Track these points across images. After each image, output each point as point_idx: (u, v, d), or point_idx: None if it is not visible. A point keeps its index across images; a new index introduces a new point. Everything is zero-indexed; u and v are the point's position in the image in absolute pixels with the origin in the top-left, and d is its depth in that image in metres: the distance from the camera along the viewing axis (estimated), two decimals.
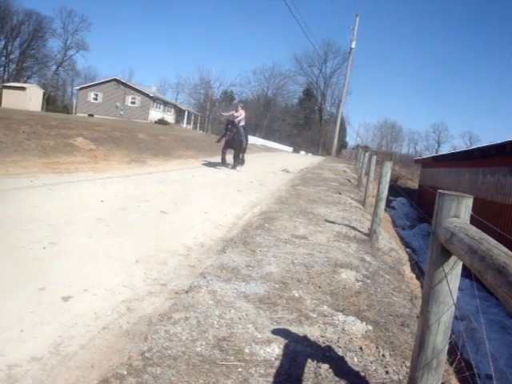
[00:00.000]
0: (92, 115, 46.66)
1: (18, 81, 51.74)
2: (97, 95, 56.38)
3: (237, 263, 4.75)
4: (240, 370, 2.79)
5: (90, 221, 5.93)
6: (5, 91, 43.22)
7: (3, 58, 59.20)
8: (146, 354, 2.84)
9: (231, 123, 15.37)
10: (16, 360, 2.66)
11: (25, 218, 5.69)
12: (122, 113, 51.71)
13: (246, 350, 3.02)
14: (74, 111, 54.79)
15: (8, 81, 52.09)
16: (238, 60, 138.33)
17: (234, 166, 15.75)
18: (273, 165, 21.65)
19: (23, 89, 44.09)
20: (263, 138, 61.56)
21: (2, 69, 59.55)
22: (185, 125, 61.13)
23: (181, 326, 3.26)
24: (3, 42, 58.93)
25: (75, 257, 4.49)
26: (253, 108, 63.14)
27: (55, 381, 2.55)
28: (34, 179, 8.39)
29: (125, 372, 2.63)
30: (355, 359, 3.07)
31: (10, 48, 60.28)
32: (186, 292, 3.89)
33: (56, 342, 2.93)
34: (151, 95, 55.66)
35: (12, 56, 60.27)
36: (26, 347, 2.82)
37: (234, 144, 15.38)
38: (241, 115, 15.77)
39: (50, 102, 56.65)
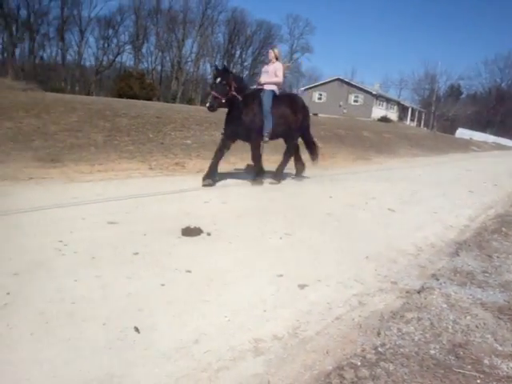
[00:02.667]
0: (316, 114, 48.43)
1: (250, 85, 56.92)
2: (321, 95, 58.32)
3: (471, 268, 4.45)
4: (479, 381, 2.60)
5: (321, 215, 6.21)
6: None
7: (238, 66, 65.62)
8: (379, 349, 2.85)
9: (237, 81, 7.89)
10: (260, 336, 2.94)
11: (262, 209, 6.25)
12: (344, 111, 52.57)
13: (486, 362, 2.80)
14: None
15: None
16: (466, 51, 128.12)
17: (255, 179, 8.32)
18: (504, 163, 19.53)
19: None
20: (495, 134, 56.01)
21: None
22: (408, 122, 59.24)
23: (413, 325, 3.19)
24: (239, 52, 65.30)
25: (308, 248, 4.75)
26: (483, 102, 57.83)
27: (294, 360, 2.74)
28: (268, 175, 9.09)
29: (358, 363, 2.69)
30: None
31: (243, 56, 66.53)
32: (418, 292, 3.79)
33: (294, 325, 3.14)
34: (374, 93, 55.31)
35: (245, 63, 66.45)
36: (269, 326, 3.08)
37: (239, 130, 7.91)
38: (275, 70, 8.27)
39: None
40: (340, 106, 55.16)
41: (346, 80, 57.24)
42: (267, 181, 8.48)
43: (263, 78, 8.34)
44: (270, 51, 8.63)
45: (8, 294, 3.14)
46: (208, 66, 62.24)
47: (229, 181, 8.36)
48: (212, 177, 7.63)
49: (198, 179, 7.57)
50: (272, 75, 8.26)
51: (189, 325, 2.96)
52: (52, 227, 4.63)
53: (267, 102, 8.02)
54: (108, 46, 56.56)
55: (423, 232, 5.93)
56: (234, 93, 7.57)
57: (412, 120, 62.15)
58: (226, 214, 5.84)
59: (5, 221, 4.75)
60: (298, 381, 2.53)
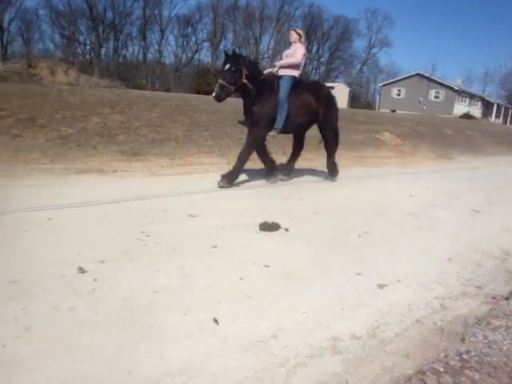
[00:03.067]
0: (394, 111, 47.17)
1: (327, 81, 56.11)
2: (399, 91, 56.66)
3: None
4: None
5: (401, 214, 6.03)
6: None
7: (315, 62, 65.10)
8: (464, 356, 2.73)
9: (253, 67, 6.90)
10: (338, 334, 2.90)
11: (340, 206, 6.17)
12: (424, 107, 50.73)
13: None
14: (377, 107, 56.34)
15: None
16: None
17: (222, 179, 6.73)
18: None
19: (331, 88, 47.43)
20: None
21: (314, 71, 65.63)
22: (493, 119, 56.20)
23: (501, 334, 3.02)
24: (315, 48, 64.71)
25: (388, 247, 4.63)
26: None
27: (373, 361, 2.67)
28: (346, 171, 8.95)
29: (441, 369, 2.58)
30: None
31: (320, 52, 65.88)
32: (506, 299, 3.59)
33: (373, 325, 3.07)
34: (456, 88, 52.92)
35: (322, 59, 65.77)
36: (347, 324, 3.03)
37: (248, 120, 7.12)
38: (294, 51, 7.26)
39: (354, 99, 59.67)
40: (419, 102, 53.33)
41: (426, 75, 55.21)
42: (345, 177, 8.34)
43: (279, 64, 7.25)
44: (292, 32, 7.41)
45: (95, 280, 3.30)
46: None
47: (306, 177, 8.32)
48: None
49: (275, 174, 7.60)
50: (287, 56, 7.29)
51: (267, 319, 2.97)
52: (135, 218, 4.82)
53: (284, 89, 6.98)
54: (187, 43, 58.08)
55: (511, 235, 5.60)
56: (245, 81, 6.61)
57: (497, 117, 58.91)
58: (303, 210, 5.81)
59: (92, 211, 5.00)
60: (377, 383, 2.47)
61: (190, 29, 57.81)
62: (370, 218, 5.64)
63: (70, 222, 4.62)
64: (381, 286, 3.66)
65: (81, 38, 54.14)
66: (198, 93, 28.35)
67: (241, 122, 7.72)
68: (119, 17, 53.65)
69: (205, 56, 64.62)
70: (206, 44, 58.91)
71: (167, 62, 58.43)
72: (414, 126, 16.83)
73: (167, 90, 39.63)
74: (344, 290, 3.52)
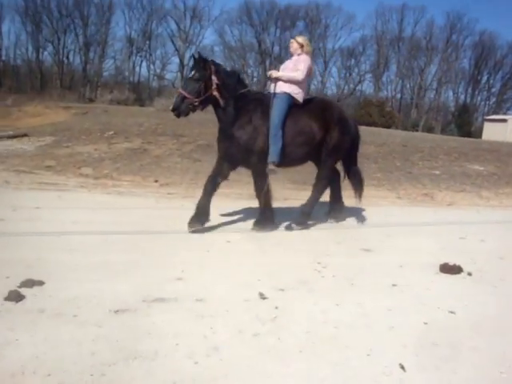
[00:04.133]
0: None
1: (498, 113, 51.92)
2: None
3: None
4: None
5: None
6: (486, 124, 43.99)
7: (485, 93, 60.72)
8: None
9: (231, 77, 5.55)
10: None
11: None
12: None
13: None
14: None
15: (488, 114, 52.97)
16: None
17: (259, 220, 5.63)
18: None
19: (504, 121, 43.70)
20: None
21: (483, 103, 61.27)
22: None
23: None
24: (485, 77, 60.34)
25: None
26: None
27: None
28: None
29: None
30: None
31: (491, 82, 61.29)
32: None
33: None
34: None
35: (493, 89, 61.06)
36: None
37: (232, 151, 5.49)
38: (296, 63, 5.70)
39: None
40: None
41: None
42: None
43: (275, 79, 5.63)
44: (292, 41, 5.88)
45: (276, 307, 3.32)
46: (450, 93, 59.23)
47: (480, 217, 7.64)
48: (201, 220, 5.27)
49: (451, 213, 7.10)
50: (289, 70, 5.65)
51: (458, 373, 2.69)
52: (310, 248, 4.83)
53: (277, 111, 5.39)
54: (349, 75, 58.42)
55: None
56: (216, 93, 5.24)
57: None
58: (485, 253, 5.30)
59: (264, 237, 5.13)
60: None
61: (353, 60, 58.18)
62: None
63: (246, 245, 4.78)
64: None
65: (249, 71, 57.68)
66: (360, 124, 28.14)
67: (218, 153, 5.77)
68: (285, 50, 56.14)
69: (367, 87, 64.16)
70: (369, 75, 58.68)
71: (329, 93, 59.27)
72: None
73: None
74: None
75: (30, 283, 3.39)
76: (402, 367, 2.69)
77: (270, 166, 5.37)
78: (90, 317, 2.97)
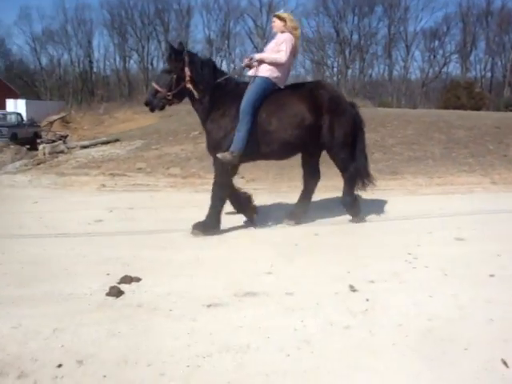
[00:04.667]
0: None
1: None
2: None
3: None
4: None
5: None
6: None
7: None
8: None
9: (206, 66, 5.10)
10: None
11: None
12: None
13: None
14: None
15: None
16: None
17: (198, 224, 5.00)
18: None
19: None
20: None
21: None
22: None
23: None
24: None
25: None
26: None
27: None
28: None
29: None
30: None
31: None
32: None
33: None
34: None
35: None
36: None
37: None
38: (278, 43, 5.09)
39: None
40: None
41: None
42: None
43: (256, 58, 5.08)
44: (274, 18, 5.25)
45: (367, 300, 3.27)
46: None
47: None
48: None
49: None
50: (271, 51, 5.08)
51: None
52: (400, 238, 4.70)
53: (251, 95, 4.89)
54: (434, 57, 55.78)
55: None
56: (189, 85, 4.92)
57: None
58: None
59: (351, 229, 5.07)
60: None
61: (436, 42, 55.47)
62: None
63: (334, 238, 4.74)
64: None
65: (328, 62, 56.95)
66: (447, 108, 26.91)
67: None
68: (364, 38, 54.75)
69: (453, 69, 61.18)
70: (455, 56, 55.70)
71: (413, 77, 57.10)
72: None
73: (414, 107, 38.68)
74: None
75: (128, 279, 3.60)
76: (505, 363, 2.54)
77: (226, 156, 4.81)
78: (184, 311, 3.09)
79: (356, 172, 5.36)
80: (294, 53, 5.14)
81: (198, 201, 6.26)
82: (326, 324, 2.93)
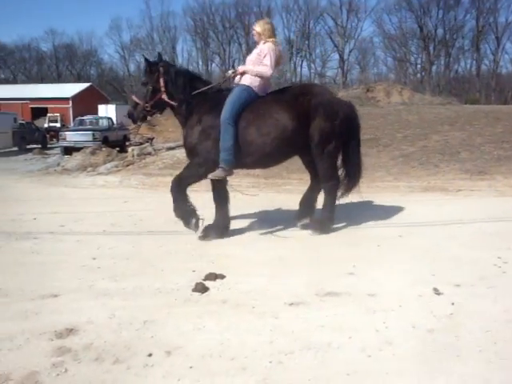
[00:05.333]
0: None
1: None
2: None
3: None
4: None
5: None
6: None
7: None
8: None
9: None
10: None
11: None
12: None
13: None
14: None
15: None
16: None
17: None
18: None
19: None
20: None
21: None
22: None
23: None
24: None
25: None
26: None
27: None
28: None
29: None
30: None
31: None
32: None
33: None
34: None
35: None
36: None
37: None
38: (259, 55, 4.94)
39: None
40: None
41: None
42: None
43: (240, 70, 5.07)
44: (253, 32, 5.23)
45: (452, 304, 3.19)
46: None
47: None
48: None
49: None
50: (253, 63, 4.99)
51: None
52: (488, 242, 4.52)
53: (228, 105, 4.80)
54: None
55: None
56: (165, 97, 4.98)
57: None
58: None
59: (440, 231, 4.93)
60: None
61: None
62: None
63: (418, 240, 4.64)
64: None
65: (412, 59, 55.25)
66: None
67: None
68: (450, 32, 52.50)
69: None
70: None
71: (504, 71, 53.96)
72: None
73: (505, 103, 36.60)
74: None
75: (212, 276, 3.75)
76: None
77: (219, 173, 4.82)
78: (267, 308, 3.17)
79: (337, 187, 5.15)
80: (278, 61, 5.13)
81: (279, 201, 6.36)
82: (409, 326, 2.89)
